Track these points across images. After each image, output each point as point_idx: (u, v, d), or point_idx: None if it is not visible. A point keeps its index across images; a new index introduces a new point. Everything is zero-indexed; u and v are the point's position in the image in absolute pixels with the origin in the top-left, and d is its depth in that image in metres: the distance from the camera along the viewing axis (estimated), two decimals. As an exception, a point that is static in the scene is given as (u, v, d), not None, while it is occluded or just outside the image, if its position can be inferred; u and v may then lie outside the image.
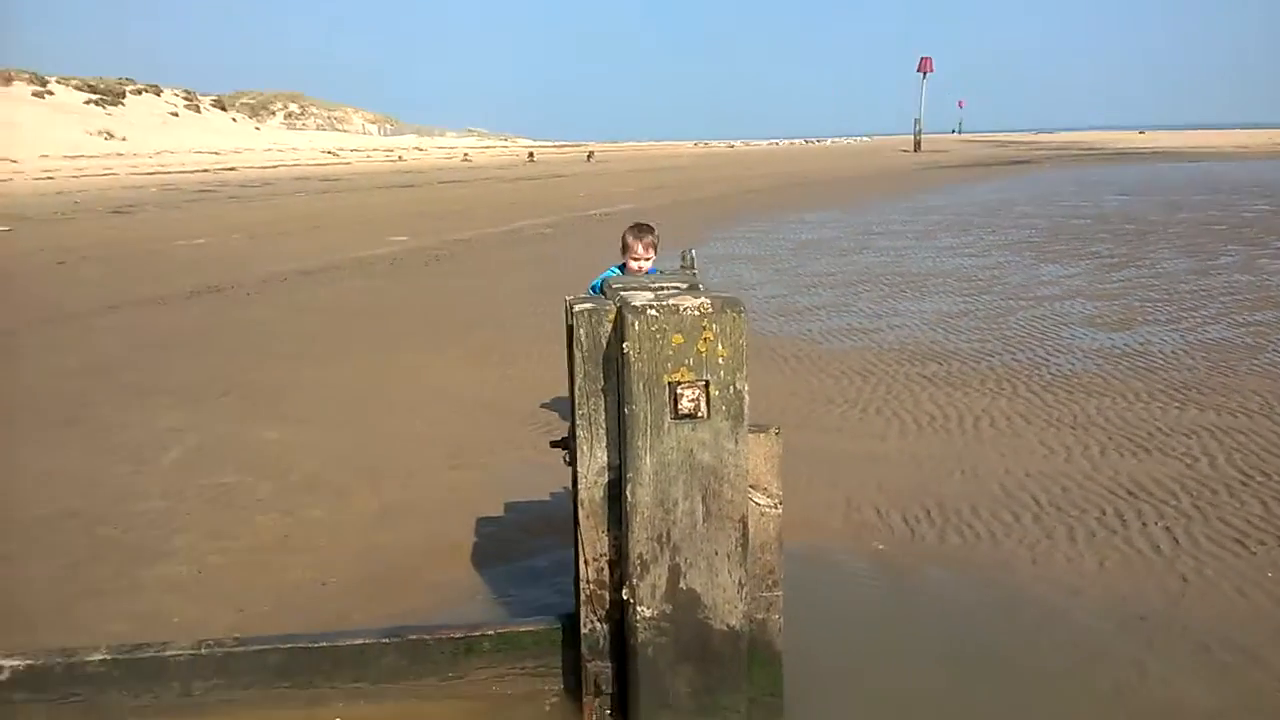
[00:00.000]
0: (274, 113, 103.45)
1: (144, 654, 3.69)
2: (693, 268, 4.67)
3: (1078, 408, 7.79)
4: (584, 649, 3.64)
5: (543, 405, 7.99)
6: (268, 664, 3.72)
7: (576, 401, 3.50)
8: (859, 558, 5.25)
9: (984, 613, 4.67)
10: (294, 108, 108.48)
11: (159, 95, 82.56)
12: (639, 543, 3.37)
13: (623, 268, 6.47)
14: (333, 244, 19.92)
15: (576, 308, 3.47)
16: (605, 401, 3.47)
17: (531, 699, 3.81)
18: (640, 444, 3.31)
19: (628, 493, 3.36)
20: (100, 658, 3.66)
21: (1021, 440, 7.05)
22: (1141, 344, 10.10)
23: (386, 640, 3.80)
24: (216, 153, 62.04)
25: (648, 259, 6.43)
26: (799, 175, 47.82)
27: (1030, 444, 6.96)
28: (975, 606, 4.73)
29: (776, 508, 3.61)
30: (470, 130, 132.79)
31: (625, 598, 3.44)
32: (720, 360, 3.28)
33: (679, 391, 3.28)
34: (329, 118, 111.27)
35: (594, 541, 3.57)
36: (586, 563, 3.58)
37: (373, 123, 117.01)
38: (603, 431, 3.49)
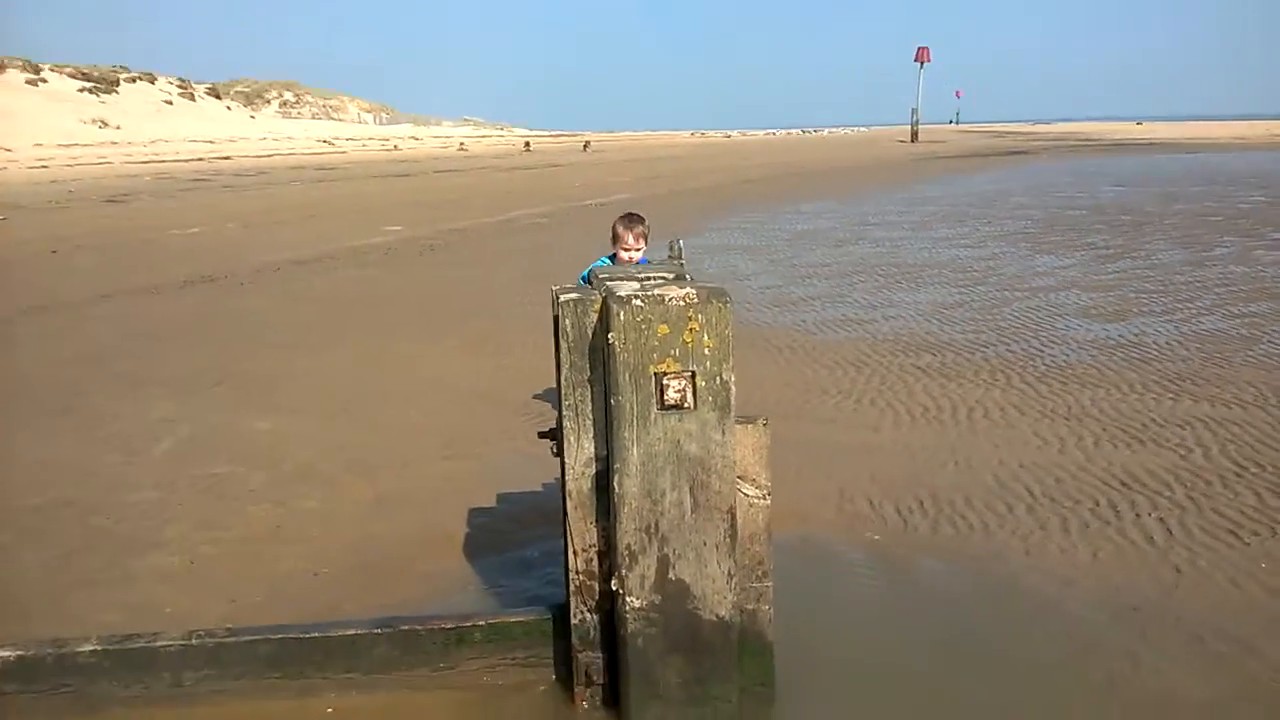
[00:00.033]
0: (269, 101, 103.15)
1: (134, 644, 3.68)
2: (680, 258, 4.65)
3: (1072, 399, 7.79)
4: (574, 639, 3.64)
5: (536, 395, 7.97)
6: (258, 654, 3.72)
7: (563, 392, 3.49)
8: (852, 548, 5.25)
9: (976, 603, 4.67)
10: (289, 96, 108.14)
11: (153, 83, 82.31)
12: (627, 534, 3.37)
13: (613, 258, 6.46)
14: (328, 233, 19.87)
15: (562, 298, 3.46)
16: (592, 392, 3.46)
17: (522, 689, 3.81)
18: (627, 435, 3.30)
19: (615, 484, 3.36)
20: (91, 648, 3.65)
21: (1015, 431, 7.05)
22: (1136, 335, 10.10)
23: (378, 631, 3.79)
24: (211, 141, 61.89)
25: (638, 249, 6.42)
26: (795, 165, 47.78)
27: (1024, 435, 6.96)
28: (968, 597, 4.73)
29: (765, 499, 3.60)
30: (467, 119, 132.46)
31: (614, 588, 3.44)
32: (706, 351, 3.27)
33: (665, 382, 3.27)
34: (324, 106, 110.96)
35: (582, 532, 3.56)
36: (575, 554, 3.58)
37: (368, 112, 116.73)
38: (589, 422, 3.49)
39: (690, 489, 3.37)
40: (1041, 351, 9.46)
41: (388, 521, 5.64)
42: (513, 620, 3.87)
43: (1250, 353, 9.23)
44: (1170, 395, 7.84)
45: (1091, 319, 11.00)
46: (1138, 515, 5.52)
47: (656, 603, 3.43)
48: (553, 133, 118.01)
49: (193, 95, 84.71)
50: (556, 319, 3.44)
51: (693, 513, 3.39)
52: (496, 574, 4.96)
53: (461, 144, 74.80)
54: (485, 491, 5.96)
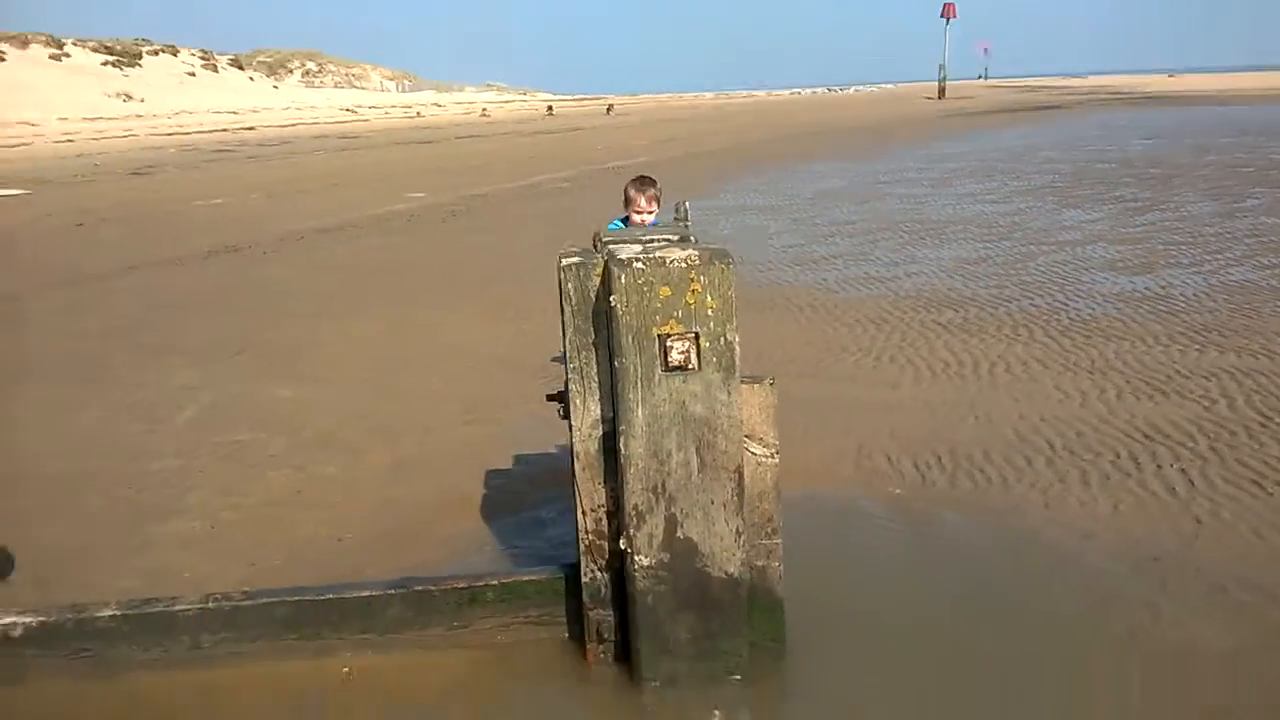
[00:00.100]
0: (291, 71, 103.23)
1: (153, 609, 3.73)
2: (686, 220, 4.61)
3: (1095, 352, 7.71)
4: (585, 598, 3.65)
5: (555, 359, 7.97)
6: (275, 616, 3.75)
7: (569, 356, 3.49)
8: (869, 503, 5.22)
9: (994, 557, 4.64)
10: (312, 66, 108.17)
11: (176, 56, 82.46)
12: (634, 494, 3.37)
13: (626, 220, 6.43)
14: (350, 201, 19.90)
15: (564, 262, 3.45)
16: (597, 355, 3.46)
17: (535, 647, 3.83)
18: (632, 397, 3.29)
19: (621, 445, 3.36)
20: (110, 613, 3.70)
21: (1037, 385, 6.99)
22: (1163, 287, 9.97)
23: (392, 591, 3.82)
24: (234, 112, 62.07)
25: (650, 211, 6.38)
26: (822, 124, 47.36)
27: (1046, 389, 6.89)
28: (985, 550, 4.70)
29: (773, 457, 3.58)
30: (490, 85, 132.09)
31: (623, 547, 3.44)
32: (709, 312, 3.25)
33: (669, 344, 3.26)
34: (347, 75, 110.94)
35: (591, 493, 3.57)
36: (584, 514, 3.58)
37: (391, 79, 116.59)
38: (595, 385, 3.48)
39: (696, 449, 3.36)
40: (1066, 305, 9.35)
41: (407, 486, 5.67)
42: (525, 579, 3.88)
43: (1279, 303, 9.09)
44: (1196, 346, 7.74)
45: (1118, 272, 10.87)
46: (1159, 467, 5.47)
47: (665, 561, 3.43)
48: (576, 97, 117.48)
49: (215, 67, 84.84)
50: (560, 283, 3.43)
51: (699, 472, 3.38)
52: (512, 534, 4.98)
53: (484, 110, 74.65)
54: (502, 455, 5.98)
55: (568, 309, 3.43)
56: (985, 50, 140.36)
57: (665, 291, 3.22)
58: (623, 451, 3.35)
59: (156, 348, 8.95)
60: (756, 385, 3.51)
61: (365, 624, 3.79)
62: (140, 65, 75.35)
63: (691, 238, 3.72)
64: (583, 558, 3.63)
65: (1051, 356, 7.64)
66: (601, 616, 3.64)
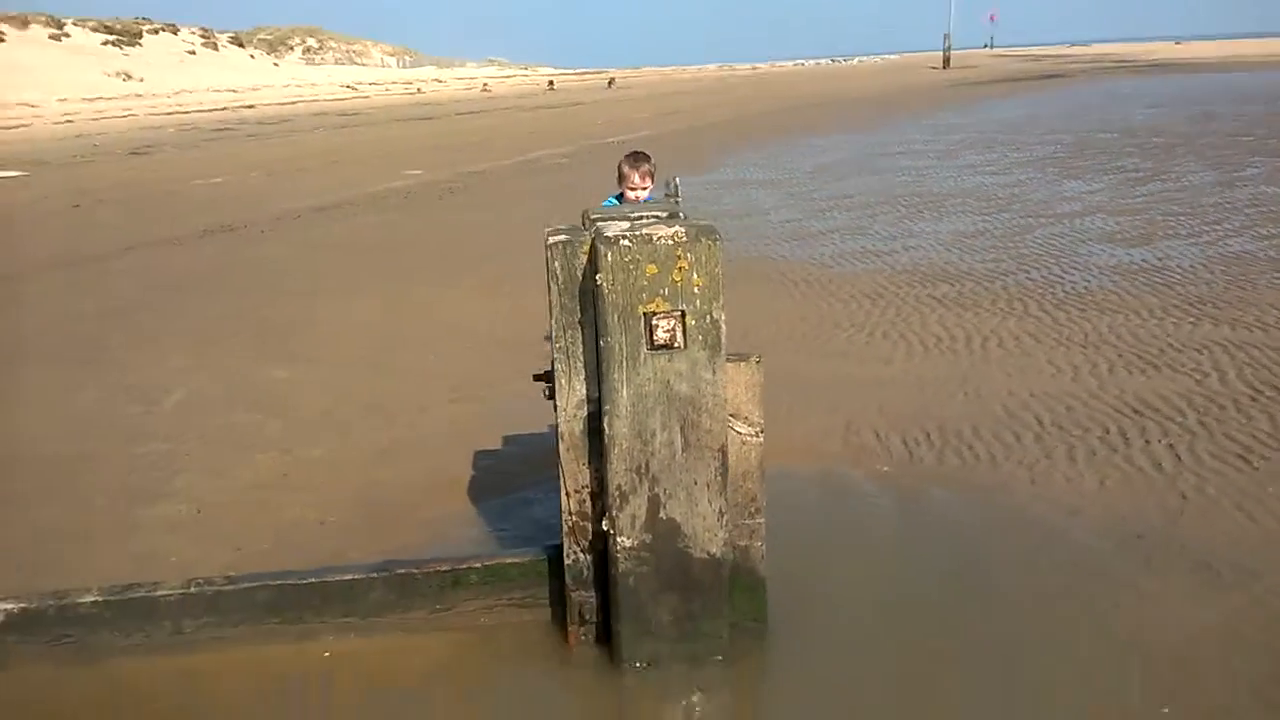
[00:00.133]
0: (292, 48, 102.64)
1: (135, 594, 3.74)
2: (677, 196, 4.60)
3: (1089, 325, 7.69)
4: (568, 579, 3.66)
5: (549, 337, 7.97)
6: (257, 601, 3.77)
7: (554, 335, 3.49)
8: (857, 480, 5.23)
9: (981, 534, 4.65)
10: (312, 42, 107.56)
11: (176, 34, 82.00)
12: (618, 474, 3.37)
13: (620, 197, 6.40)
14: (349, 179, 19.85)
15: (550, 240, 3.43)
16: (582, 334, 3.45)
17: (518, 629, 3.84)
18: (617, 376, 3.29)
19: (606, 425, 3.35)
20: (92, 599, 3.71)
21: (1029, 360, 6.97)
22: (1160, 259, 9.93)
23: (375, 575, 3.83)
24: (235, 90, 61.76)
25: (645, 188, 6.35)
26: (825, 96, 47.08)
27: (1038, 363, 6.88)
28: (972, 527, 4.71)
29: (758, 436, 3.58)
30: (491, 60, 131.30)
31: (605, 528, 3.45)
32: (696, 290, 3.23)
33: (654, 322, 3.24)
34: (348, 51, 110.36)
35: (575, 474, 3.57)
36: (568, 495, 3.59)
37: (391, 55, 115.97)
38: (580, 364, 3.48)
39: (681, 429, 3.36)
40: (1061, 278, 9.33)
41: (394, 468, 5.67)
42: (508, 562, 3.89)
43: (1276, 275, 9.07)
44: (1190, 319, 7.72)
45: (1115, 244, 10.83)
46: (1147, 442, 5.46)
47: (647, 542, 3.43)
48: (578, 71, 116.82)
49: (215, 45, 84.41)
50: (547, 261, 3.42)
51: (683, 452, 3.38)
52: (499, 516, 4.99)
53: (485, 85, 74.25)
54: (492, 435, 5.98)
55: (554, 287, 3.42)
56: (992, 19, 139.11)
57: (651, 269, 3.20)
58: (607, 431, 3.35)
59: (153, 329, 8.96)
60: (742, 363, 3.51)
61: (348, 607, 3.80)
62: (140, 44, 74.99)
63: (680, 214, 3.70)
64: (566, 539, 3.63)
65: (1045, 331, 7.63)
66: (583, 598, 3.65)
